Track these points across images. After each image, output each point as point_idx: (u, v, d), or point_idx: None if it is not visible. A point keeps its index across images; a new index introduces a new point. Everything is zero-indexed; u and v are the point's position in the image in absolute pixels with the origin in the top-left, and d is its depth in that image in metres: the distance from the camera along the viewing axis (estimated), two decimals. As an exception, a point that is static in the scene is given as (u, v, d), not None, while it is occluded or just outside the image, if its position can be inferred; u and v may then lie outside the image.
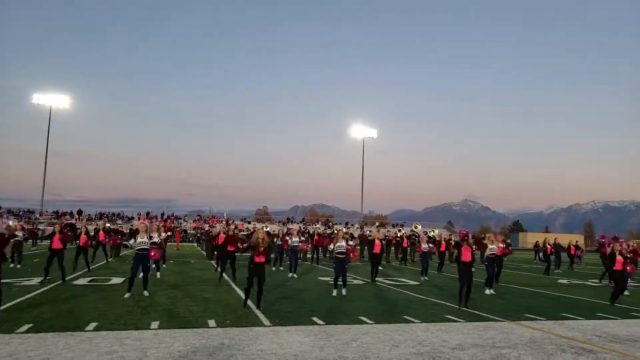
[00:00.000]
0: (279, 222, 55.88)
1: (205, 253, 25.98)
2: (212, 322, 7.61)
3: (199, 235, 38.33)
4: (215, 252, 17.48)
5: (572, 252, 23.90)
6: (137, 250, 10.41)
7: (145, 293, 10.26)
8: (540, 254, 26.60)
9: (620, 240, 12.53)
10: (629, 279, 12.94)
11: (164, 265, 16.97)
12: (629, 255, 11.84)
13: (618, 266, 11.36)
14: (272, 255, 16.55)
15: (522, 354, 6.17)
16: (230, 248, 13.68)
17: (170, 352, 5.79)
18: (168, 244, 19.74)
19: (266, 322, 7.81)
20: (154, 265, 13.59)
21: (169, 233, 18.75)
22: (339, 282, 11.38)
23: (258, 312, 8.56)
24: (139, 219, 40.11)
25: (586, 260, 30.04)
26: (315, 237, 21.59)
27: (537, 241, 30.55)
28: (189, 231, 47.19)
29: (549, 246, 21.04)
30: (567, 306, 10.65)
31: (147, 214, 47.19)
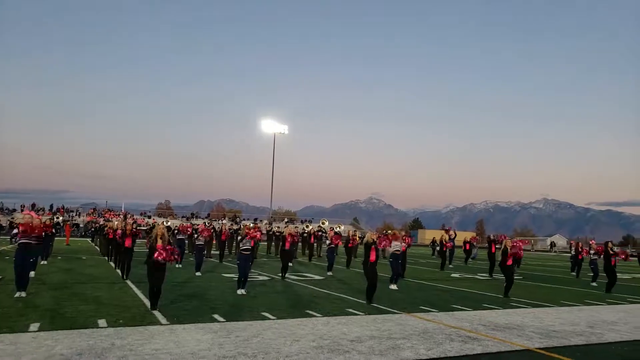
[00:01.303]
0: (183, 217, 54.05)
1: (99, 249, 24.48)
2: (102, 322, 7.11)
3: (93, 229, 35.94)
4: (111, 248, 16.51)
5: (467, 248, 25.66)
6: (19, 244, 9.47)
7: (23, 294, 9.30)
8: (437, 250, 28.25)
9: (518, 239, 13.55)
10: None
11: (43, 262, 15.66)
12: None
13: (509, 262, 12.26)
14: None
15: (415, 344, 6.47)
16: (127, 244, 12.93)
17: (50, 355, 5.30)
18: (56, 239, 18.24)
19: (163, 320, 7.46)
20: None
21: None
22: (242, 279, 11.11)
23: (155, 311, 8.16)
24: (22, 211, 36.61)
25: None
26: (223, 233, 21.14)
27: (434, 237, 32.45)
28: (81, 225, 44.09)
29: (449, 242, 22.10)
30: (457, 298, 11.39)
31: (33, 205, 43.41)
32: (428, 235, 66.27)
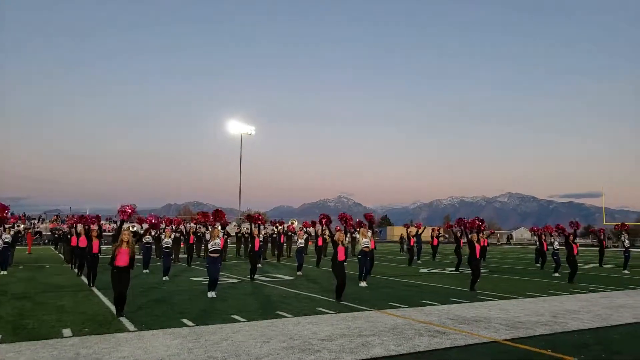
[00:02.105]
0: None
1: (63, 257, 23.76)
2: (67, 332, 6.91)
3: (56, 236, 34.86)
4: (75, 256, 16.07)
5: (435, 243, 25.96)
6: None
7: None
8: (405, 246, 28.56)
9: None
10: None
11: (3, 272, 15.18)
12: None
13: (477, 254, 12.49)
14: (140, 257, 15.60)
15: (385, 340, 6.54)
16: (94, 250, 12.62)
17: (12, 369, 5.12)
18: (17, 247, 17.58)
19: (131, 327, 7.30)
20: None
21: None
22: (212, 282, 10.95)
23: (122, 318, 7.98)
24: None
25: (444, 251, 33.06)
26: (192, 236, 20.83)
27: (401, 234, 32.85)
28: (44, 232, 42.66)
29: (413, 238, 22.35)
30: (426, 293, 11.57)
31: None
32: (396, 231, 67.08)
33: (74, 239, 15.80)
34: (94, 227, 13.55)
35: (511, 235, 70.58)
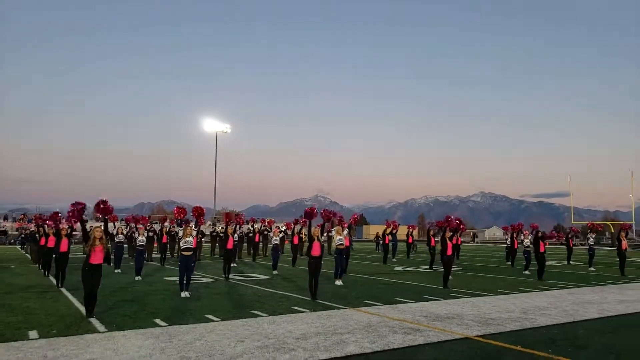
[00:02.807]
0: (121, 220, 51.97)
1: (30, 257, 23.12)
2: (33, 334, 6.70)
3: (23, 236, 33.91)
4: (42, 255, 15.65)
5: (410, 241, 26.28)
6: None
7: None
8: (380, 244, 28.80)
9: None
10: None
11: None
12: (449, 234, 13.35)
13: (449, 252, 12.65)
14: (112, 256, 15.29)
15: (359, 338, 6.56)
16: (63, 249, 12.29)
17: (-26, 372, 4.94)
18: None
19: (101, 328, 7.13)
20: None
21: None
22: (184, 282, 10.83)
23: (92, 318, 7.79)
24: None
25: (419, 250, 33.45)
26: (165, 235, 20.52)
27: (377, 232, 33.10)
28: (9, 232, 41.46)
29: (388, 236, 22.49)
30: (400, 291, 11.67)
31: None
32: (372, 230, 67.51)
33: (43, 239, 15.38)
34: (64, 225, 13.22)
35: (476, 234, 72.15)
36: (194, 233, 11.26)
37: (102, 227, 8.60)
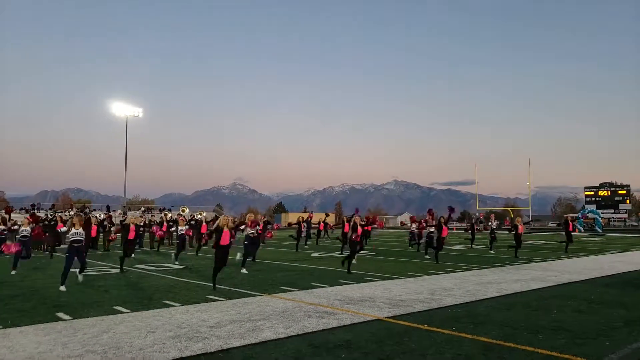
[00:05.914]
0: (21, 209, 47.99)
1: None
2: None
3: None
4: None
5: (321, 228, 26.80)
6: None
7: None
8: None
9: (359, 214, 14.45)
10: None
11: None
12: (362, 223, 13.85)
13: (357, 238, 13.10)
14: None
15: (274, 324, 6.61)
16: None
17: None
18: None
19: (-8, 325, 6.56)
20: None
21: None
22: (72, 270, 9.99)
23: (-17, 315, 7.15)
24: None
25: (335, 235, 34.15)
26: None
27: (289, 221, 33.62)
28: None
29: (303, 224, 22.73)
30: (316, 277, 11.88)
31: None
32: (291, 218, 67.97)
33: None
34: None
35: (388, 220, 76.51)
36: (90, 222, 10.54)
37: None
